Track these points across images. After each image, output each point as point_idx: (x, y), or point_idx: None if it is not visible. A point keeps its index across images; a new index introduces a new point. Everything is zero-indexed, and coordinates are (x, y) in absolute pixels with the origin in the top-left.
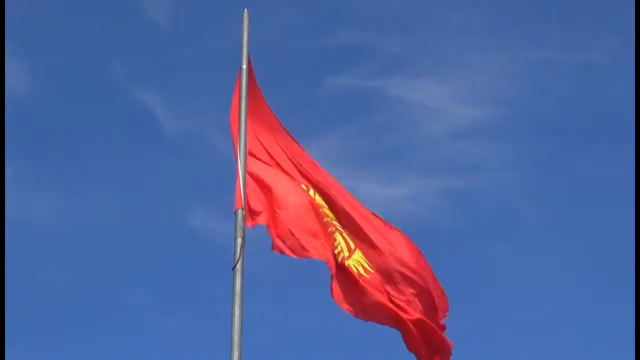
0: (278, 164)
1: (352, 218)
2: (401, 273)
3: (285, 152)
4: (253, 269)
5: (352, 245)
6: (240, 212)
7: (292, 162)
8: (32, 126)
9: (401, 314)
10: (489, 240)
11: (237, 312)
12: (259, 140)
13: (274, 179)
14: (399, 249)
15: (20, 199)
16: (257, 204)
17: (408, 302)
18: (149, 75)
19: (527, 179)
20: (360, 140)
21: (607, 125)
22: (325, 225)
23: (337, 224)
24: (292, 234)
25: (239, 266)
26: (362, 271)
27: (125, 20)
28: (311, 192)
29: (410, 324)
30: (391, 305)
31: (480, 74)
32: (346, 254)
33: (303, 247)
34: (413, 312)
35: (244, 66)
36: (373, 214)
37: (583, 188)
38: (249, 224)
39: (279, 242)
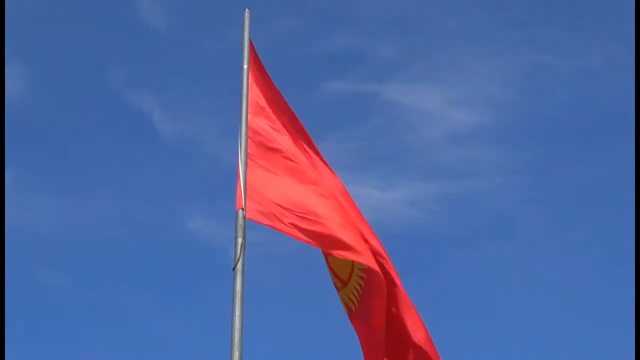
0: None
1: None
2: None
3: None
4: (252, 272)
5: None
6: (240, 212)
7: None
8: (30, 131)
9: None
10: (486, 244)
11: (237, 312)
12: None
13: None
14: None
15: (18, 204)
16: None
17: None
18: (146, 80)
19: (524, 184)
20: (357, 144)
21: (604, 130)
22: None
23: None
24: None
25: (239, 266)
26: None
27: (122, 25)
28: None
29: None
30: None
31: (477, 78)
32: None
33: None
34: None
35: (245, 66)
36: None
37: (580, 192)
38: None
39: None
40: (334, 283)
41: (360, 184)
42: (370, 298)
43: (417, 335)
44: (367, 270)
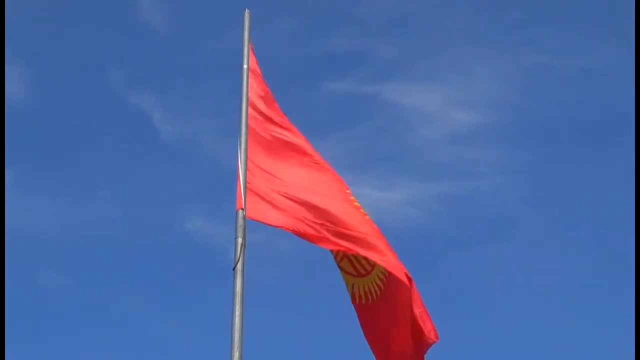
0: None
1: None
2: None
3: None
4: (252, 272)
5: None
6: (240, 212)
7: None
8: (29, 132)
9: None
10: (486, 244)
11: (237, 312)
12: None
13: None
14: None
15: (18, 204)
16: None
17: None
18: (146, 80)
19: (524, 184)
20: (357, 145)
21: (604, 130)
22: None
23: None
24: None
25: (239, 266)
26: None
27: (122, 25)
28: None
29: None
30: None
31: (477, 78)
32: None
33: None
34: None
35: (245, 66)
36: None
37: (580, 193)
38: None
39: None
40: (344, 268)
41: (360, 184)
42: (390, 299)
43: (427, 328)
44: (388, 273)
